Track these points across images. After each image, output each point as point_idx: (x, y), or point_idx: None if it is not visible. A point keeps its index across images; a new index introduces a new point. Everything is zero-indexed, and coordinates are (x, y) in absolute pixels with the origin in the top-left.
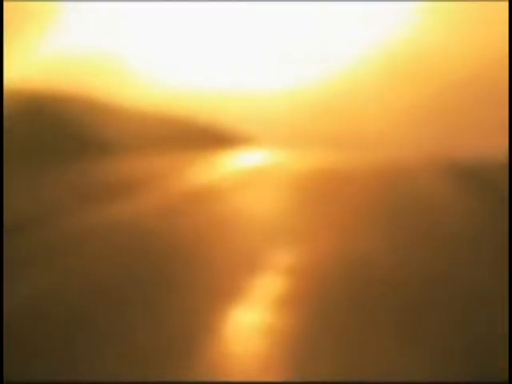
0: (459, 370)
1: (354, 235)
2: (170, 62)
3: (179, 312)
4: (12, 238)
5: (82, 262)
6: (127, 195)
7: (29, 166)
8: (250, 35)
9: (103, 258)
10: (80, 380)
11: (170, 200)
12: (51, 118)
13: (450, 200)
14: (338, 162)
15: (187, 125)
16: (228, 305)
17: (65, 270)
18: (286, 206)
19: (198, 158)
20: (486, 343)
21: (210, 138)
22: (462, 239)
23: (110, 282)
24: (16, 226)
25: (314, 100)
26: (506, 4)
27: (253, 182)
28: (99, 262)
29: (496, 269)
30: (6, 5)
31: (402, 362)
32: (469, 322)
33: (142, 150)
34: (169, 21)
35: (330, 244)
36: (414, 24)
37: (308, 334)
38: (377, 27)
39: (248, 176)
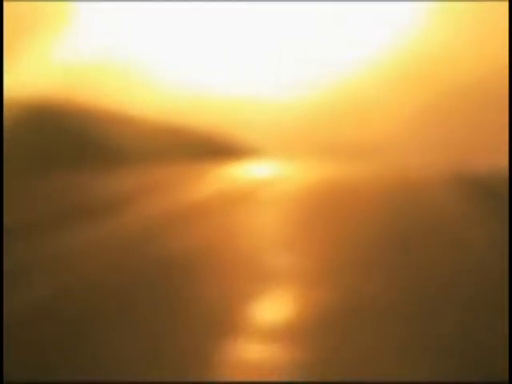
0: (459, 370)
1: (355, 257)
2: (180, 71)
3: (183, 320)
4: (16, 244)
5: (80, 273)
6: (132, 206)
7: (37, 174)
8: (260, 44)
9: (104, 267)
10: (82, 380)
11: (172, 212)
12: (58, 127)
13: (455, 214)
14: (343, 174)
15: (196, 135)
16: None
17: (68, 277)
18: (288, 224)
19: (206, 169)
20: (486, 343)
21: (219, 148)
22: (466, 252)
23: (111, 291)
24: (21, 232)
25: (320, 108)
26: (506, 4)
27: (257, 196)
28: (100, 272)
29: (497, 272)
30: (18, 11)
31: (403, 361)
32: (469, 323)
33: (150, 161)
34: (180, 27)
35: (331, 283)
36: (418, 27)
37: (309, 334)
38: (381, 31)
39: (252, 189)
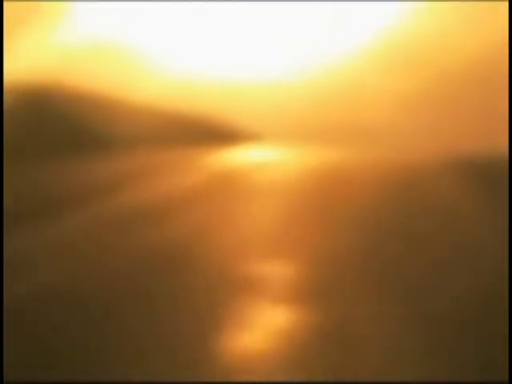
0: (459, 370)
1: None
2: (176, 55)
3: (174, 312)
4: (12, 234)
5: (81, 258)
6: (129, 191)
7: (34, 159)
8: (253, 26)
9: (96, 256)
10: (81, 380)
11: (168, 197)
12: (54, 113)
13: (455, 201)
14: (339, 159)
15: (191, 120)
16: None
17: (64, 267)
18: (282, 213)
19: (201, 154)
20: (486, 343)
21: (214, 133)
22: (468, 245)
23: (112, 275)
24: (16, 221)
25: (315, 92)
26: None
27: (253, 182)
28: (92, 262)
29: (497, 269)
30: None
31: (402, 361)
32: (469, 322)
33: (145, 146)
34: (176, 14)
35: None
36: (410, 14)
37: (306, 331)
38: (374, 18)
39: (248, 175)
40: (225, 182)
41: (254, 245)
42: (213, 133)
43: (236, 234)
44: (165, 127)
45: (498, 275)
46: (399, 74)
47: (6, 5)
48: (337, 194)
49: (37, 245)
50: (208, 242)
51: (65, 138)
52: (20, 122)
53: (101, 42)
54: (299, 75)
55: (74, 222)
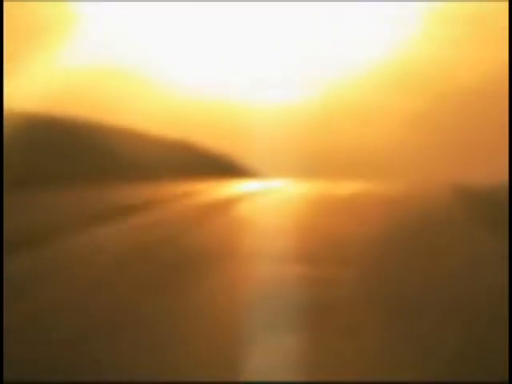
0: (460, 370)
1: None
2: (179, 81)
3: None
4: (16, 255)
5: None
6: (126, 218)
7: (32, 186)
8: (255, 48)
9: (89, 280)
10: (80, 380)
11: (158, 228)
12: (54, 140)
13: (461, 230)
14: (341, 189)
15: (191, 150)
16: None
17: (65, 286)
18: (283, 249)
19: (198, 186)
20: (485, 343)
21: (215, 165)
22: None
23: (113, 298)
24: (19, 244)
25: (323, 117)
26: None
27: (252, 216)
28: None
29: (499, 274)
30: (21, 20)
31: (403, 362)
32: (469, 323)
33: (144, 176)
34: (185, 35)
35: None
36: (416, 33)
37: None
38: (379, 38)
39: (246, 208)
40: (222, 215)
41: (255, 275)
42: (213, 164)
43: (235, 265)
44: (166, 157)
45: (499, 284)
46: (406, 94)
47: (7, 31)
48: (338, 226)
49: (39, 267)
50: (203, 271)
51: (65, 164)
52: (19, 149)
53: (103, 68)
54: (304, 97)
55: (68, 248)
